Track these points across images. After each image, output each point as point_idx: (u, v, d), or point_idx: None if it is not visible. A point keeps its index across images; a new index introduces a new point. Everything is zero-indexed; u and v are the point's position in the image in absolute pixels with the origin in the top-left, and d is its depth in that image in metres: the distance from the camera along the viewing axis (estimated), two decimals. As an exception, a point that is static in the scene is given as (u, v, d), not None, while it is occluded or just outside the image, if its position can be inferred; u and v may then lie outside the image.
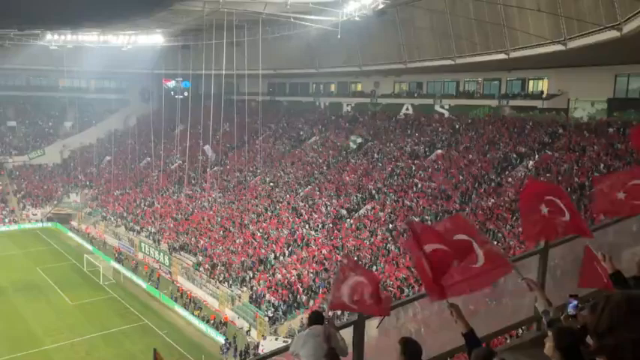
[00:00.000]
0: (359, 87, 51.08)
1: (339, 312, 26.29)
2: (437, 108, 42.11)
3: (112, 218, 49.91)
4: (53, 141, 64.92)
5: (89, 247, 45.22)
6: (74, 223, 52.49)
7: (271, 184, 44.01)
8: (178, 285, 36.23)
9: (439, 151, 37.44)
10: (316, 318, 4.29)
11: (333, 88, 54.64)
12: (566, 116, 33.16)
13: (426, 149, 38.43)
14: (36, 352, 26.40)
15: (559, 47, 24.84)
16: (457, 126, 39.10)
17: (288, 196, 41.10)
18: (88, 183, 58.59)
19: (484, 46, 30.75)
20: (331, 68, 45.71)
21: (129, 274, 38.61)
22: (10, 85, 66.00)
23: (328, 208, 36.75)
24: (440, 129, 40.03)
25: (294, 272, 31.37)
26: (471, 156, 34.69)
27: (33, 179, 59.44)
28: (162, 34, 52.44)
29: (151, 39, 53.33)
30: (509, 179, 30.76)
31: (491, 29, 29.34)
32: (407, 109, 44.75)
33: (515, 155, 32.43)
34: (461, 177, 32.94)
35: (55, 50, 54.41)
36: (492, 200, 29.41)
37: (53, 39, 53.39)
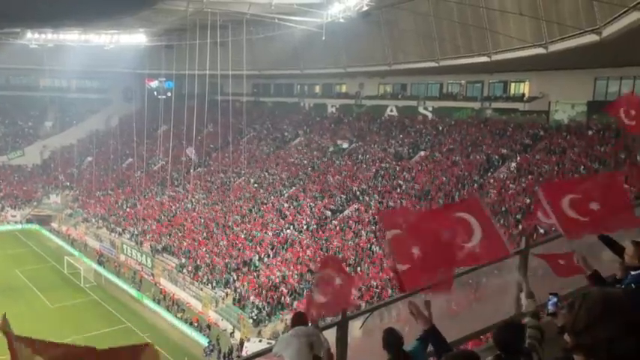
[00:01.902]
0: (343, 88, 51.18)
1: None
2: (421, 110, 42.41)
3: (94, 220, 49.24)
4: (33, 141, 63.84)
5: (70, 249, 44.49)
6: (54, 225, 51.65)
7: (255, 185, 43.86)
8: (161, 287, 35.87)
9: (423, 153, 37.71)
10: (299, 319, 4.27)
11: (317, 89, 54.66)
12: (546, 118, 33.65)
13: (410, 151, 38.67)
14: (14, 357, 25.90)
15: (540, 50, 25.20)
16: (440, 127, 39.41)
17: (272, 197, 40.98)
18: (68, 184, 57.71)
19: (467, 49, 31.06)
20: (316, 69, 45.73)
21: (110, 276, 38.11)
22: (-11, 84, 64.74)
23: (313, 210, 36.74)
24: (423, 130, 40.31)
25: (278, 274, 31.28)
26: (454, 157, 34.99)
27: (12, 180, 58.35)
28: (145, 33, 51.94)
29: (134, 38, 52.77)
30: (492, 180, 31.10)
31: (474, 32, 29.66)
32: (391, 110, 44.98)
33: (497, 157, 32.80)
34: (444, 178, 33.20)
35: (36, 49, 53.52)
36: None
37: (33, 37, 52.49)
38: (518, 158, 31.63)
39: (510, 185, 29.35)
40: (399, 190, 34.51)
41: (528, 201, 26.96)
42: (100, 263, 40.51)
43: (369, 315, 4.20)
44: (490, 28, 28.14)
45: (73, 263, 38.59)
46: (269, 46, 43.89)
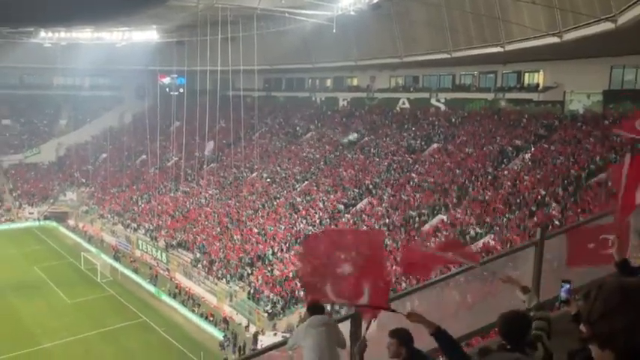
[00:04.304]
0: (355, 81, 51.00)
1: (337, 306, 26.37)
2: (433, 102, 42.11)
3: (109, 216, 49.82)
4: (48, 139, 64.69)
5: (86, 245, 45.12)
6: (71, 222, 52.38)
7: (268, 180, 44.00)
8: (176, 282, 36.24)
9: (436, 145, 37.48)
10: (315, 309, 4.29)
11: (329, 82, 54.54)
12: (561, 109, 33.21)
13: (423, 143, 38.45)
14: (35, 351, 26.40)
15: (554, 39, 24.84)
16: (453, 119, 39.11)
17: (285, 191, 41.09)
18: (84, 181, 58.43)
19: (480, 40, 30.72)
20: (327, 63, 45.60)
21: (127, 271, 38.58)
22: (4, 84, 65.52)
23: (325, 204, 36.77)
24: (436, 123, 40.03)
25: (292, 268, 31.40)
26: (467, 149, 34.73)
27: (29, 178, 59.25)
28: (156, 30, 52.27)
29: (146, 35, 53.13)
30: (506, 172, 30.81)
31: (487, 22, 29.31)
32: (403, 103, 44.73)
33: (511, 148, 32.48)
34: (457, 170, 32.97)
35: (49, 48, 54.15)
36: (489, 193, 29.47)
37: (47, 36, 53.13)
38: (533, 149, 31.29)
39: (525, 177, 29.06)
40: (411, 183, 34.37)
41: (544, 192, 26.69)
42: (116, 259, 41.03)
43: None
44: (503, 18, 27.79)
45: (90, 259, 39.15)
46: (280, 41, 43.85)
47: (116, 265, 39.64)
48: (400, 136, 40.88)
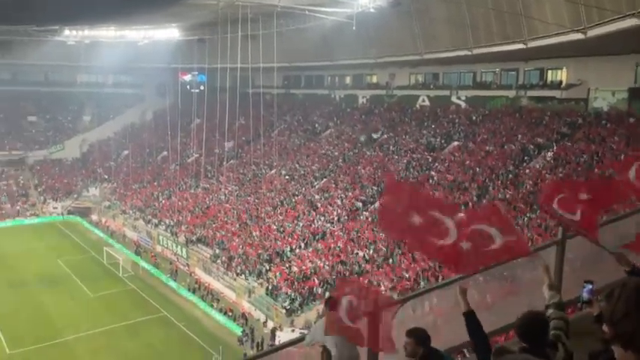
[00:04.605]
0: (374, 79, 50.79)
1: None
2: (453, 99, 41.71)
3: (131, 211, 50.59)
4: (72, 135, 65.96)
5: (109, 239, 45.94)
6: (94, 217, 53.35)
7: (287, 177, 44.16)
8: (196, 277, 36.65)
9: (456, 143, 37.13)
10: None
11: (348, 80, 54.43)
12: (585, 106, 32.58)
13: (443, 141, 38.14)
14: (58, 343, 27.01)
15: (578, 36, 24.37)
16: (474, 117, 38.70)
17: (303, 188, 41.20)
18: (106, 177, 59.44)
19: (501, 36, 30.31)
20: (346, 60, 45.51)
21: (147, 266, 39.16)
22: (30, 81, 67.09)
23: (343, 201, 36.76)
24: (456, 120, 39.66)
25: (310, 265, 31.50)
26: (488, 147, 34.33)
27: (53, 173, 60.51)
28: (178, 28, 52.78)
29: (167, 33, 53.71)
30: (527, 171, 30.38)
31: (509, 18, 28.90)
32: (423, 100, 44.41)
33: (533, 147, 32.01)
34: (478, 169, 32.64)
35: (73, 46, 55.16)
36: (510, 192, 29.11)
37: (71, 34, 54.08)
38: (555, 148, 30.78)
39: (547, 175, 28.60)
40: (431, 181, 34.12)
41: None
42: (137, 254, 41.67)
43: (400, 305, 4.21)
44: (525, 14, 27.37)
45: (112, 254, 39.84)
46: (299, 38, 43.90)
47: (137, 259, 40.26)
48: (420, 133, 40.61)
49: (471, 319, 3.53)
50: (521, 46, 28.90)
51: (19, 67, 65.07)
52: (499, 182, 30.42)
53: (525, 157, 31.66)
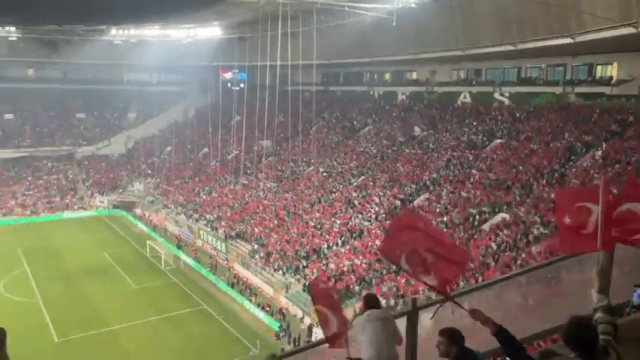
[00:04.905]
0: (414, 75, 50.15)
1: (392, 301, 26.19)
2: (496, 96, 40.67)
3: (173, 206, 51.90)
4: (118, 132, 68.22)
5: (152, 233, 47.30)
6: (138, 211, 55.04)
7: (324, 174, 44.22)
8: (235, 272, 37.25)
9: (498, 141, 36.22)
10: (373, 302, 4.28)
11: (387, 76, 53.96)
12: (636, 103, 31.11)
13: (485, 139, 37.26)
14: (104, 332, 28.03)
15: (630, 30, 23.28)
16: (518, 114, 37.62)
17: (341, 186, 41.16)
18: (150, 172, 61.21)
19: (548, 30, 29.27)
20: (386, 57, 45.09)
21: (188, 260, 40.09)
22: (80, 79, 69.91)
23: (382, 199, 36.50)
24: (499, 117, 38.67)
25: (347, 262, 31.46)
26: (532, 145, 33.31)
27: (100, 168, 62.78)
28: (220, 26, 53.68)
29: (209, 32, 54.72)
30: (574, 170, 29.29)
31: (556, 12, 27.87)
32: (464, 97, 43.54)
33: (580, 145, 30.82)
34: (521, 167, 31.72)
35: (120, 45, 57.04)
36: (555, 192, 28.15)
37: (117, 34, 55.93)
38: (604, 146, 29.52)
39: (595, 175, 27.47)
40: (472, 179, 33.41)
41: (615, 191, 25.13)
42: (178, 248, 42.73)
43: (440, 306, 4.12)
44: (574, 7, 26.32)
45: (155, 247, 41.00)
46: (339, 35, 43.76)
47: (179, 253, 41.28)
48: (461, 131, 39.83)
49: (501, 336, 3.36)
50: (568, 40, 27.83)
51: (69, 66, 67.85)
52: (544, 181, 29.46)
53: (572, 156, 30.52)
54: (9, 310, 28.66)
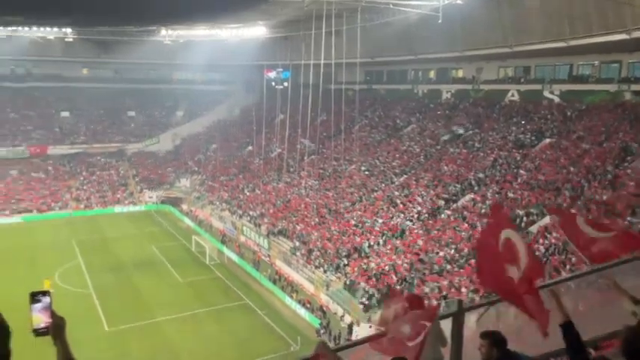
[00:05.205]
0: (460, 73, 49.20)
1: (434, 302, 25.84)
2: (546, 94, 39.36)
3: (218, 202, 53.05)
4: (166, 129, 70.33)
5: (197, 228, 48.55)
6: (184, 206, 56.59)
7: (366, 172, 44.08)
8: (277, 268, 37.73)
9: (548, 140, 35.05)
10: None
11: (432, 74, 53.19)
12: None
13: (533, 138, 36.14)
14: (150, 323, 29.03)
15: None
16: (569, 113, 36.28)
17: (383, 185, 40.92)
18: (196, 169, 62.80)
19: (602, 26, 28.10)
20: (431, 54, 44.48)
21: (232, 255, 40.91)
22: (131, 78, 72.62)
23: (424, 198, 36.06)
24: (549, 116, 37.41)
25: (388, 262, 31.29)
26: (584, 145, 32.05)
27: (148, 165, 64.94)
28: (264, 26, 54.42)
29: (254, 31, 55.58)
30: (629, 171, 27.97)
31: (611, 6, 26.70)
32: (512, 95, 42.37)
33: (636, 145, 29.39)
34: (572, 168, 30.58)
35: (169, 45, 58.83)
36: (608, 194, 26.98)
37: (167, 34, 57.69)
38: (663, 147, 28.07)
39: (652, 177, 26.18)
40: (519, 180, 32.50)
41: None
42: (223, 243, 43.67)
43: (487, 309, 4.09)
44: (629, 1, 25.13)
45: (200, 242, 42.07)
46: (383, 33, 43.51)
47: (223, 248, 42.20)
48: (508, 130, 38.79)
49: (569, 330, 3.31)
50: (624, 36, 26.65)
51: (121, 65, 70.63)
52: (596, 183, 28.30)
53: (627, 157, 29.17)
54: (64, 300, 30.07)
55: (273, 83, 58.20)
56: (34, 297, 2.26)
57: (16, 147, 60.53)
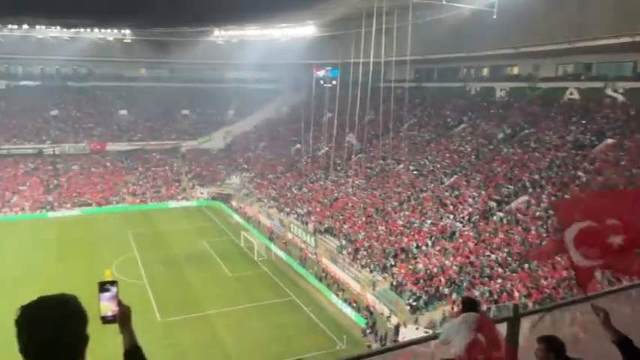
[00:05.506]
0: (515, 70, 47.58)
1: (484, 307, 25.11)
2: (608, 92, 37.38)
3: (266, 200, 53.81)
4: (218, 128, 72.03)
5: (246, 224, 49.44)
6: (234, 203, 57.77)
7: (415, 172, 43.41)
8: (323, 266, 37.83)
9: (610, 141, 33.28)
10: (471, 305, 4.14)
11: (485, 72, 51.71)
12: None
13: (594, 138, 34.43)
14: (200, 316, 29.80)
15: None
16: (633, 112, 34.29)
17: (432, 185, 40.17)
18: (245, 167, 63.98)
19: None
20: (484, 51, 43.24)
21: (279, 252, 41.39)
22: (185, 78, 74.95)
23: (476, 200, 35.10)
24: (611, 115, 35.53)
25: (436, 264, 30.69)
26: (649, 146, 30.23)
27: (201, 162, 66.75)
28: (314, 25, 54.69)
29: (304, 31, 55.95)
30: (701, 174, 26.14)
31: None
32: (571, 93, 40.51)
33: None
34: (634, 170, 28.89)
35: (222, 45, 60.25)
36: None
37: (220, 35, 59.09)
38: None
39: None
40: (578, 182, 31.04)
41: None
42: (270, 239, 44.26)
43: (543, 315, 3.89)
44: None
45: (249, 238, 42.82)
46: (434, 30, 42.72)
47: (270, 245, 42.77)
48: (566, 129, 37.14)
49: (627, 346, 3.09)
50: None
51: (176, 65, 72.99)
52: (662, 186, 26.60)
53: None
54: (120, 290, 31.37)
55: (322, 82, 58.40)
56: (103, 286, 2.34)
57: (78, 143, 63.75)
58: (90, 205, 55.29)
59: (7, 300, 25.93)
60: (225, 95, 74.99)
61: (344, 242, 38.50)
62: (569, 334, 4.59)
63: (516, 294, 24.73)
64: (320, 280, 35.53)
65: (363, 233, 38.01)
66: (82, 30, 65.01)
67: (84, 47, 65.51)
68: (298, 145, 60.01)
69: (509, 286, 25.74)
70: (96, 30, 65.53)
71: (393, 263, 33.01)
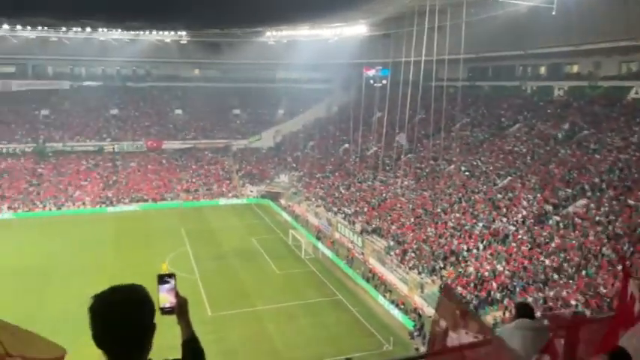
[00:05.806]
0: (574, 68, 45.59)
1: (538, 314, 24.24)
2: (678, 91, 35.16)
3: (314, 199, 54.13)
4: (268, 127, 73.09)
5: (294, 223, 49.94)
6: (282, 201, 58.46)
7: (467, 173, 42.40)
8: (370, 266, 37.65)
9: (678, 143, 31.29)
10: (525, 310, 4.02)
11: (542, 70, 49.81)
12: None
13: (660, 140, 32.47)
14: (249, 311, 30.37)
15: None
16: None
17: (484, 186, 39.11)
18: (294, 166, 64.60)
19: None
20: (541, 49, 41.65)
21: (326, 251, 41.53)
22: (236, 78, 76.53)
23: (530, 202, 33.88)
24: (681, 116, 33.38)
25: (488, 268, 29.86)
26: None
27: (251, 160, 67.98)
28: (365, 24, 54.49)
29: (355, 30, 55.87)
30: None
31: None
32: (636, 93, 38.35)
33: None
34: None
35: (273, 45, 61.12)
36: None
37: (271, 35, 59.97)
38: None
39: None
40: (641, 186, 29.37)
41: None
42: (318, 238, 44.49)
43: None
44: None
45: (297, 236, 43.24)
46: (488, 27, 41.54)
47: (317, 244, 42.99)
48: (630, 130, 35.22)
49: None
50: None
51: (228, 65, 74.70)
52: None
53: None
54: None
55: (372, 81, 58.09)
56: (162, 279, 2.39)
57: (136, 141, 66.47)
58: (146, 200, 57.52)
59: (76, 289, 27.41)
60: (276, 95, 75.99)
61: (392, 243, 38.15)
62: (632, 347, 4.36)
63: (573, 302, 23.70)
64: (367, 280, 35.37)
65: (411, 235, 37.53)
66: (141, 32, 67.77)
67: (143, 49, 68.30)
68: (347, 145, 59.98)
69: (564, 293, 24.70)
70: (154, 32, 68.12)
71: (442, 266, 32.42)
